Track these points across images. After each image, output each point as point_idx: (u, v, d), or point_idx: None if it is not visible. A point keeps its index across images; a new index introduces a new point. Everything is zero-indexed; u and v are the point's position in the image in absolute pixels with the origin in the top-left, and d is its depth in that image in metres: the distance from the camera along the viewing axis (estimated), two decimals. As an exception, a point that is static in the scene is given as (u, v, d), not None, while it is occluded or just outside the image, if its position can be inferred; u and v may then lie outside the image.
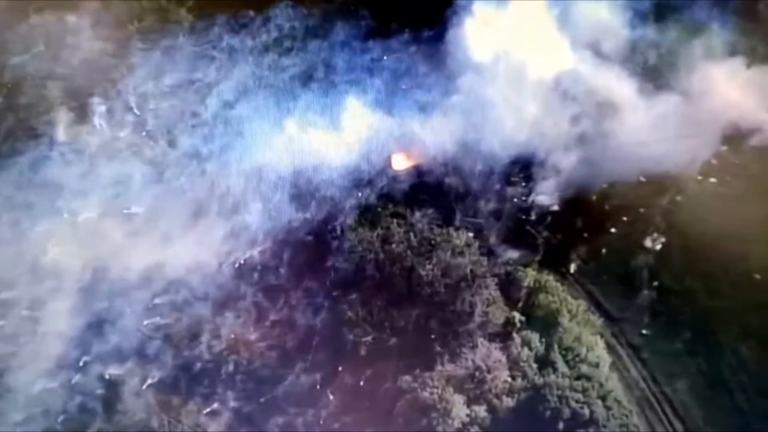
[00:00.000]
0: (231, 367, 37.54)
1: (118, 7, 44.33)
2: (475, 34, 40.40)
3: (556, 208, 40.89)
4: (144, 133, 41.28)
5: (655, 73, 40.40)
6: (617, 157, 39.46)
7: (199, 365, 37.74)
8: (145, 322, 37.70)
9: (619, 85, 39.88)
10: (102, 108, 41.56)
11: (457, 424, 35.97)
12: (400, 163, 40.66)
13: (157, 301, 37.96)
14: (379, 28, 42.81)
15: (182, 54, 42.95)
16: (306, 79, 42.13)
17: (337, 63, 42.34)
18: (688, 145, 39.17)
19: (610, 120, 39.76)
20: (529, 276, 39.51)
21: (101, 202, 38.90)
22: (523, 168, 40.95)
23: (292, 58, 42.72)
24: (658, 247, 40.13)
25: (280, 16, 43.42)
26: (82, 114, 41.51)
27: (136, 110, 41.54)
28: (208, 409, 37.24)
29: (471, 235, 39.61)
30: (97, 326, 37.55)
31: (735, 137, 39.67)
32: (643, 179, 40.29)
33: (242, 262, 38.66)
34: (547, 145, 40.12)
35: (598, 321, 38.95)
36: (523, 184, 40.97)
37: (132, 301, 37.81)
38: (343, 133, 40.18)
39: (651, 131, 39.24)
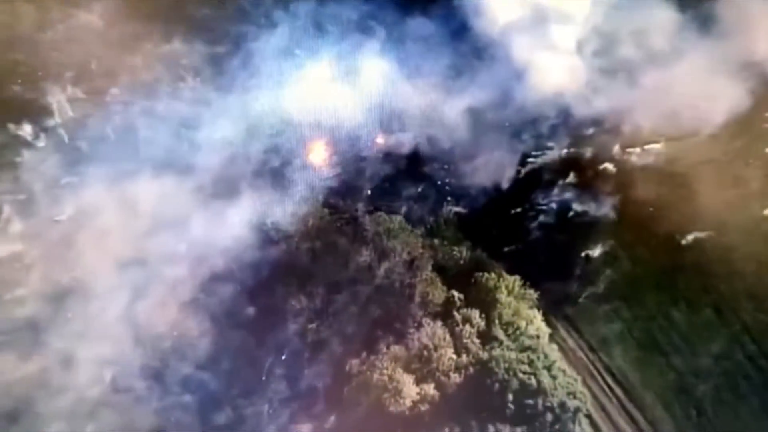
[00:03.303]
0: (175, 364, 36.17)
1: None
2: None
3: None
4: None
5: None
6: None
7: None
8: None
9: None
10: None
11: (408, 402, 35.98)
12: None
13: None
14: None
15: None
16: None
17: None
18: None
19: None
20: (465, 254, 40.29)
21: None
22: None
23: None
24: (586, 219, 40.94)
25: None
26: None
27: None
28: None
29: (402, 218, 40.03)
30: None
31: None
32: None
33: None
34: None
35: (534, 294, 39.67)
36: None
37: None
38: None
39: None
